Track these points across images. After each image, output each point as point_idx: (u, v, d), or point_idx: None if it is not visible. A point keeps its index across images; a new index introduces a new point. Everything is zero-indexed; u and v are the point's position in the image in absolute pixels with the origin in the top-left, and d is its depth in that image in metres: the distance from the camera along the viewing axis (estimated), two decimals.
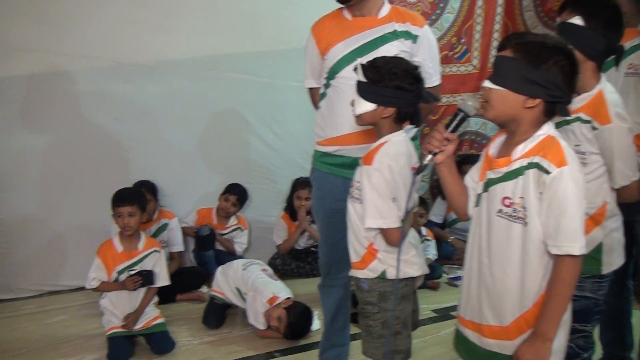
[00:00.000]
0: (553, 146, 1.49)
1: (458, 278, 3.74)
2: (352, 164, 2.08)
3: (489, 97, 1.54)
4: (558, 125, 1.71)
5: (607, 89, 1.84)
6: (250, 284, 3.12)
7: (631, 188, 1.86)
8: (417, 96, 1.91)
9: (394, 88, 1.86)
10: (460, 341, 1.75)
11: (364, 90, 1.90)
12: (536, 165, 1.48)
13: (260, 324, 3.03)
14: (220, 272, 3.30)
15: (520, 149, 1.52)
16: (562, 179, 1.44)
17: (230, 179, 3.92)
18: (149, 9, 3.53)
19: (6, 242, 3.52)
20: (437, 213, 4.17)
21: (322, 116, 2.30)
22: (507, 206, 1.53)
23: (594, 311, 1.93)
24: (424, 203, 3.94)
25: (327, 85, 2.26)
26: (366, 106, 1.90)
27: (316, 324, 3.08)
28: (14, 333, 3.15)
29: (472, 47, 4.16)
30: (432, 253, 3.78)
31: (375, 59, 1.91)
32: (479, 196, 1.64)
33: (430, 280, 3.61)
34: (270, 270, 3.34)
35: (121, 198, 2.93)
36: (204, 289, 3.60)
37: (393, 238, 1.88)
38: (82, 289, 3.34)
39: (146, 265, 2.95)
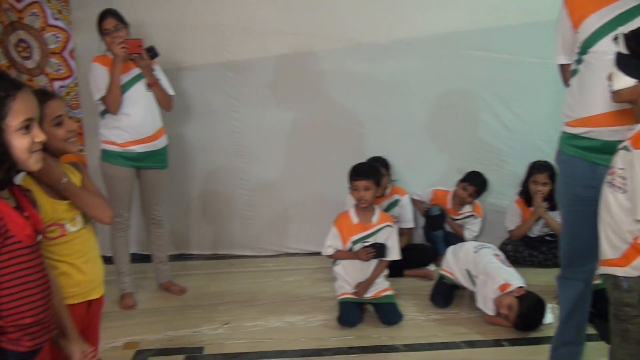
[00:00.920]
0: None
1: None
2: (602, 148, 1.97)
3: None
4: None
5: None
6: (482, 267, 3.06)
7: None
8: None
9: None
10: None
11: (624, 64, 1.74)
12: None
13: (489, 310, 2.96)
14: (450, 252, 3.29)
15: None
16: None
17: (459, 159, 3.87)
18: None
19: (251, 205, 3.96)
20: None
21: (572, 95, 2.14)
22: None
23: None
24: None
25: (579, 61, 2.09)
26: (626, 81, 1.75)
27: (549, 318, 2.92)
28: (254, 286, 3.55)
29: None
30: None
31: None
32: None
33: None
34: (502, 256, 3.23)
35: (358, 172, 3.06)
36: (432, 267, 3.63)
37: None
38: (315, 254, 3.62)
39: (379, 238, 3.05)
